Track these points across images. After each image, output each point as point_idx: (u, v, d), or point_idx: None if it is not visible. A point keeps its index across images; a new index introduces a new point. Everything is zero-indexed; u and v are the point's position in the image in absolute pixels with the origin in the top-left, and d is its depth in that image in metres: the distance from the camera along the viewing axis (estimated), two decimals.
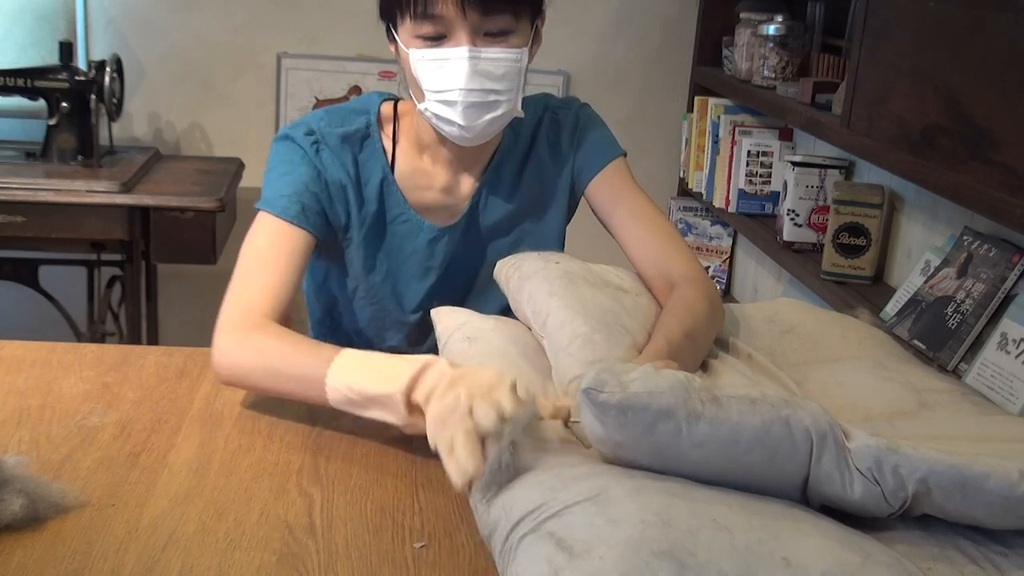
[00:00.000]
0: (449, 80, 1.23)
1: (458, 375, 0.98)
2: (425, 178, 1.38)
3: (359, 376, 1.07)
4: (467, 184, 1.40)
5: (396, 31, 1.28)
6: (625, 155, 1.44)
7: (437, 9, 1.21)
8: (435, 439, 0.95)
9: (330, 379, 1.08)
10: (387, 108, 1.39)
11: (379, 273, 1.40)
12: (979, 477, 0.84)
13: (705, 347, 1.22)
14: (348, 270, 1.40)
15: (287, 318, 1.25)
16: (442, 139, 1.33)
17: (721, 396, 0.86)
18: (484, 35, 1.23)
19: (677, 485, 0.85)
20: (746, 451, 0.85)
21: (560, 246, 1.46)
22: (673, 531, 0.78)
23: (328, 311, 1.48)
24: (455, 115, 1.25)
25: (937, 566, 0.84)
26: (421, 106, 1.28)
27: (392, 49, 1.31)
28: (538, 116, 1.43)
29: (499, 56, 1.23)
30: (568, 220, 1.48)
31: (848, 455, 0.86)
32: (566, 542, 0.78)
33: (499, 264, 1.35)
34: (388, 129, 1.38)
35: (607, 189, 1.41)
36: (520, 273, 1.28)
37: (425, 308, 1.40)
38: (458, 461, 0.91)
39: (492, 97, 1.25)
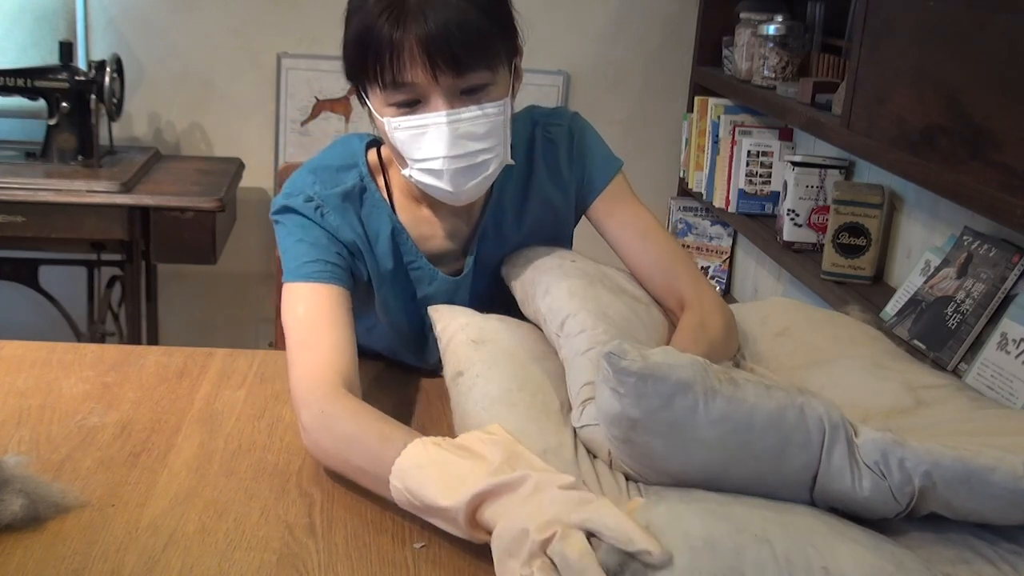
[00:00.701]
0: (430, 148, 1.16)
1: (540, 485, 0.88)
2: (428, 226, 1.31)
3: (420, 481, 0.94)
4: (470, 224, 1.34)
5: (367, 96, 1.20)
6: (622, 165, 1.39)
7: (407, 77, 1.13)
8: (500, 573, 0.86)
9: (393, 479, 0.97)
10: (373, 157, 1.31)
11: (401, 315, 1.34)
12: (984, 470, 0.84)
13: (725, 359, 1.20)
14: (368, 310, 1.34)
15: (355, 375, 1.16)
16: None
17: (738, 378, 0.86)
18: (461, 94, 1.15)
19: (709, 501, 0.85)
20: (760, 435, 0.85)
21: None
22: (721, 553, 0.78)
23: None
24: (443, 183, 1.18)
25: (956, 569, 0.84)
26: (405, 172, 1.21)
27: (364, 109, 1.24)
28: (528, 133, 1.36)
29: (480, 113, 1.16)
30: (571, 234, 1.43)
31: (856, 449, 0.86)
32: None
33: (506, 259, 1.33)
34: (380, 181, 1.30)
35: (610, 209, 1.36)
36: (533, 267, 1.27)
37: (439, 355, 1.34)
38: None
39: (481, 158, 1.18)
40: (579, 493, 0.86)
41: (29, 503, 0.93)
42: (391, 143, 1.20)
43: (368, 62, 1.14)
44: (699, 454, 0.87)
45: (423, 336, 1.36)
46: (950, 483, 0.85)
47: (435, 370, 1.38)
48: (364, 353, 1.41)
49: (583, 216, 1.41)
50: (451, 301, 1.33)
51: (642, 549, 0.78)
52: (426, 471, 0.94)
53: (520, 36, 1.24)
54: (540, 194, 1.36)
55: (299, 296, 1.20)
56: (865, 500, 0.87)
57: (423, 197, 1.28)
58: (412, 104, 1.15)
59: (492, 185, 1.31)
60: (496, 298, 1.35)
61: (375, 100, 1.18)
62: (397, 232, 1.29)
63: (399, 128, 1.16)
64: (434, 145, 1.15)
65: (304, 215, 1.24)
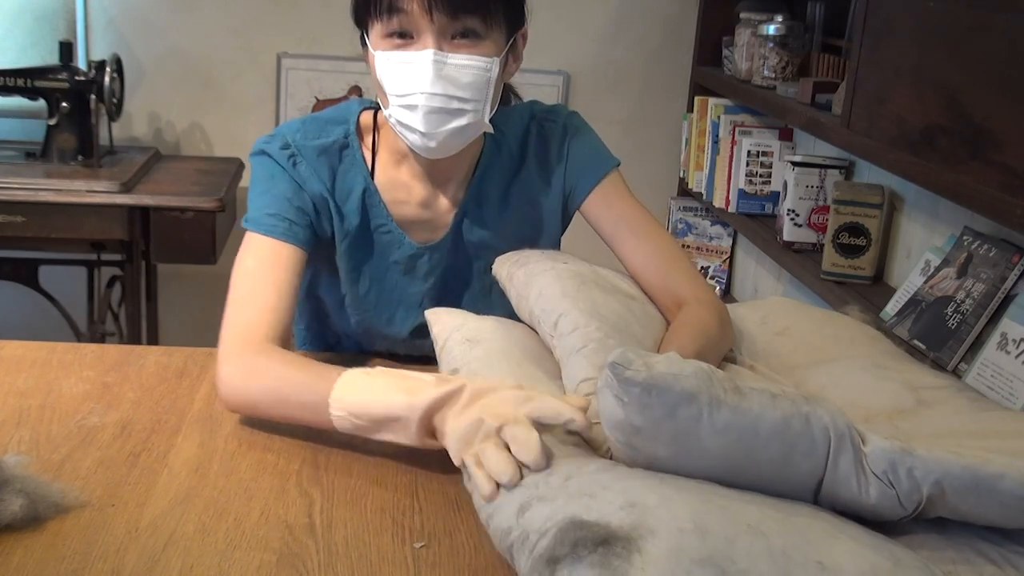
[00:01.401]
0: (412, 83, 1.18)
1: (475, 393, 0.99)
2: (404, 191, 1.34)
3: (363, 400, 1.04)
4: (448, 200, 1.35)
5: (368, 36, 1.24)
6: (619, 164, 1.39)
7: (403, 3, 1.17)
8: (461, 454, 0.95)
9: (333, 409, 1.05)
10: (367, 117, 1.34)
11: (364, 283, 1.37)
12: (993, 478, 0.84)
13: (720, 356, 1.21)
14: (338, 276, 1.38)
15: (288, 339, 1.21)
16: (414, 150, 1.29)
17: (743, 387, 0.86)
18: (452, 40, 1.19)
19: (706, 490, 0.85)
20: (765, 444, 0.84)
21: None
22: (711, 539, 0.77)
23: (315, 315, 1.46)
24: (416, 120, 1.20)
25: (957, 569, 0.84)
26: (386, 112, 1.24)
27: (364, 58, 1.27)
28: (524, 126, 1.38)
29: (466, 62, 1.19)
30: (561, 235, 1.44)
31: (864, 458, 0.85)
32: (606, 557, 0.77)
33: (499, 260, 1.33)
34: (368, 139, 1.33)
35: (604, 206, 1.36)
36: (527, 270, 1.27)
37: (411, 325, 1.38)
38: (490, 470, 0.90)
39: (456, 104, 1.20)
40: (523, 392, 0.97)
41: (29, 503, 0.93)
42: (378, 81, 1.23)
43: None
44: (703, 462, 0.86)
45: (391, 303, 1.38)
46: (959, 491, 0.85)
47: (407, 350, 1.41)
48: (342, 343, 1.45)
49: (578, 213, 1.40)
50: (416, 271, 1.36)
51: (568, 419, 0.93)
52: (366, 392, 1.04)
53: (526, 20, 1.28)
54: (526, 186, 1.37)
55: (252, 248, 1.26)
56: (872, 507, 0.86)
57: (404, 159, 1.32)
58: (404, 38, 1.19)
59: (477, 166, 1.35)
60: (465, 280, 1.39)
61: (373, 35, 1.22)
62: (369, 193, 1.32)
63: (387, 61, 1.20)
64: (416, 80, 1.18)
65: (276, 161, 1.28)
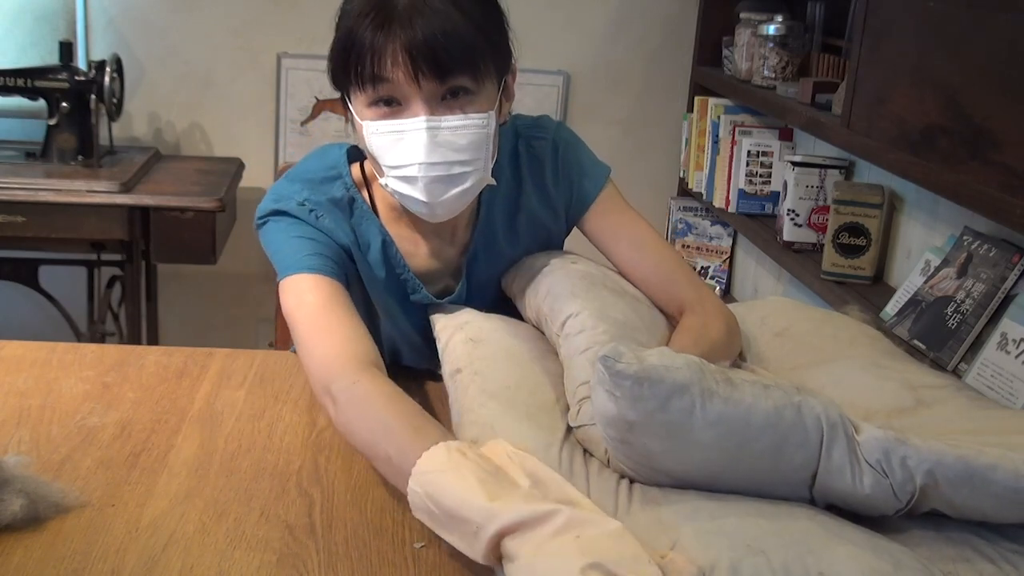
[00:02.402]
0: (407, 154, 1.12)
1: (572, 522, 0.80)
2: (411, 244, 1.29)
3: (442, 487, 0.88)
4: (456, 247, 1.31)
5: (350, 100, 1.17)
6: (610, 172, 1.36)
7: (387, 74, 1.10)
8: None
9: (412, 483, 0.91)
10: (357, 172, 1.28)
11: (401, 316, 1.32)
12: (986, 468, 0.84)
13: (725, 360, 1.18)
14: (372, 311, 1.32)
15: (380, 363, 1.12)
16: None
17: (735, 378, 0.86)
18: (443, 101, 1.12)
19: (702, 517, 0.84)
20: (757, 435, 0.85)
21: None
22: (718, 571, 0.77)
23: None
24: (417, 192, 1.14)
25: (957, 568, 0.84)
26: (382, 181, 1.18)
27: (346, 118, 1.21)
28: (512, 146, 1.31)
29: (462, 123, 1.12)
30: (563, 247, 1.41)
31: (857, 447, 0.86)
32: None
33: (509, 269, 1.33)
34: (364, 194, 1.28)
35: (603, 222, 1.33)
36: (534, 269, 1.27)
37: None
38: None
39: (457, 170, 1.14)
40: (621, 540, 0.79)
41: (29, 503, 0.93)
42: (369, 150, 1.17)
43: (350, 62, 1.12)
44: (697, 455, 0.86)
45: (428, 337, 1.33)
46: (952, 481, 0.85)
47: (438, 371, 1.38)
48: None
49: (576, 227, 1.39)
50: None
51: None
52: (449, 478, 0.88)
53: (513, 57, 1.21)
54: (529, 213, 1.34)
55: (307, 286, 1.16)
56: (865, 497, 0.87)
57: (405, 213, 1.26)
58: (391, 105, 1.13)
59: (479, 206, 1.30)
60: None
61: (356, 104, 1.16)
62: (387, 244, 1.27)
63: (377, 132, 1.13)
64: (411, 151, 1.12)
65: (298, 217, 1.22)
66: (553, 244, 1.38)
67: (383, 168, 1.16)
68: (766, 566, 0.78)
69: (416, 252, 1.30)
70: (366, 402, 1.02)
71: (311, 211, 1.22)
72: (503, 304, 1.34)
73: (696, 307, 1.25)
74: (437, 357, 1.24)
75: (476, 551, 0.84)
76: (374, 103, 1.13)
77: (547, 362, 1.15)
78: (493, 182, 1.21)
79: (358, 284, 1.28)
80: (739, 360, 1.28)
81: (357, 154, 1.29)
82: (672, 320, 1.27)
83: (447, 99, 1.13)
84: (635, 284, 1.31)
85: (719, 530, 0.82)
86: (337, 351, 1.09)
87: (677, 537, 0.81)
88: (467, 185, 1.16)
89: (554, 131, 1.34)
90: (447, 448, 0.92)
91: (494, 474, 0.89)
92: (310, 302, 1.15)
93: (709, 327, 1.21)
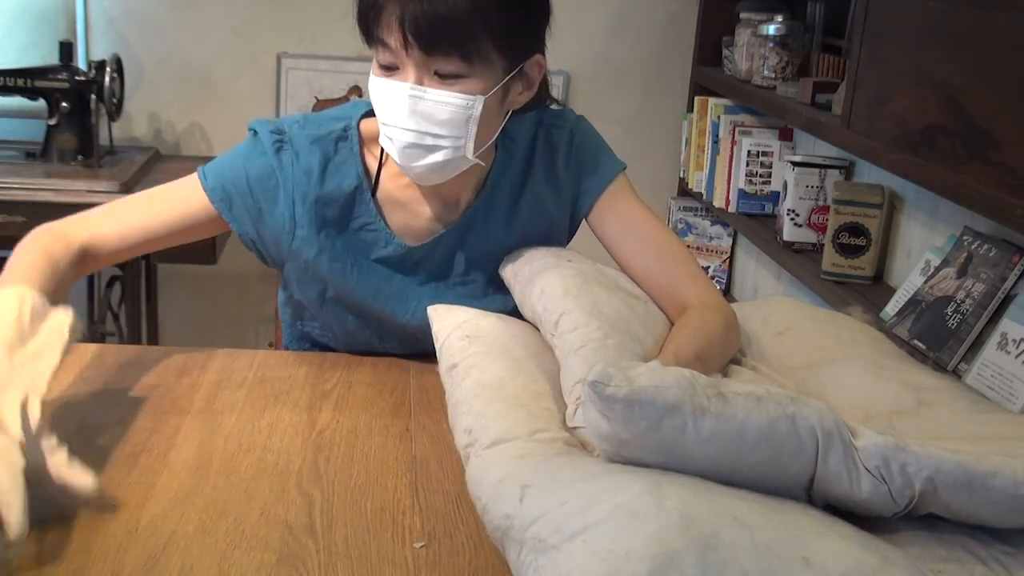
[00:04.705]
0: (392, 114, 1.19)
1: None
2: (414, 204, 1.33)
3: None
4: (455, 207, 1.34)
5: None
6: (624, 168, 1.38)
7: (384, 35, 1.16)
8: None
9: None
10: (372, 124, 1.31)
11: (343, 279, 1.33)
12: (985, 475, 0.84)
13: (716, 370, 1.17)
14: (309, 274, 1.34)
15: (109, 258, 1.28)
16: None
17: (727, 392, 0.86)
18: (435, 75, 1.17)
19: (695, 482, 0.85)
20: (751, 449, 0.85)
21: None
22: (695, 528, 0.77)
23: (297, 315, 1.45)
24: (394, 152, 1.21)
25: (946, 567, 0.84)
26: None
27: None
28: (532, 133, 1.36)
29: (444, 99, 1.17)
30: (567, 243, 1.42)
31: (856, 453, 0.86)
32: (591, 542, 0.78)
33: (506, 258, 1.33)
34: (371, 146, 1.32)
35: (609, 214, 1.35)
36: (531, 268, 1.27)
37: (405, 317, 1.35)
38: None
39: (430, 141, 1.19)
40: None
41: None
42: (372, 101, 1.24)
43: (360, 17, 1.20)
44: (692, 468, 0.87)
45: (378, 297, 1.34)
46: (951, 488, 0.85)
47: (402, 351, 1.40)
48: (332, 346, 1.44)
49: (583, 222, 1.40)
50: (405, 271, 1.34)
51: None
52: None
53: (537, 45, 1.25)
54: (534, 195, 1.36)
55: (186, 181, 1.30)
56: (863, 501, 0.87)
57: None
58: (391, 70, 1.19)
59: (487, 180, 1.33)
60: (459, 280, 1.36)
61: (374, 57, 1.22)
62: (361, 191, 1.30)
63: (375, 87, 1.21)
64: (395, 112, 1.18)
65: (262, 143, 1.29)
66: (555, 233, 1.39)
67: (379, 122, 1.23)
68: (748, 539, 0.78)
69: (417, 212, 1.33)
70: (30, 238, 1.21)
71: (277, 142, 1.29)
72: (471, 274, 1.37)
73: (694, 303, 1.25)
74: (388, 331, 1.35)
75: None
76: (380, 64, 1.20)
77: (543, 358, 1.15)
78: (476, 161, 1.23)
79: (287, 230, 1.30)
80: (740, 355, 1.27)
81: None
82: (672, 317, 1.27)
83: (440, 74, 1.17)
84: (635, 278, 1.31)
85: (708, 499, 0.82)
86: (93, 218, 1.26)
87: (663, 498, 0.80)
88: (439, 158, 1.20)
89: (574, 122, 1.39)
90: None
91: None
92: (163, 187, 1.31)
93: (707, 322, 1.21)
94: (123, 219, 1.27)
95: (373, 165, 1.32)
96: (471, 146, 1.21)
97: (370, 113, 1.32)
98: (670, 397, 0.84)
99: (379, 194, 1.32)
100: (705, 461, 0.86)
